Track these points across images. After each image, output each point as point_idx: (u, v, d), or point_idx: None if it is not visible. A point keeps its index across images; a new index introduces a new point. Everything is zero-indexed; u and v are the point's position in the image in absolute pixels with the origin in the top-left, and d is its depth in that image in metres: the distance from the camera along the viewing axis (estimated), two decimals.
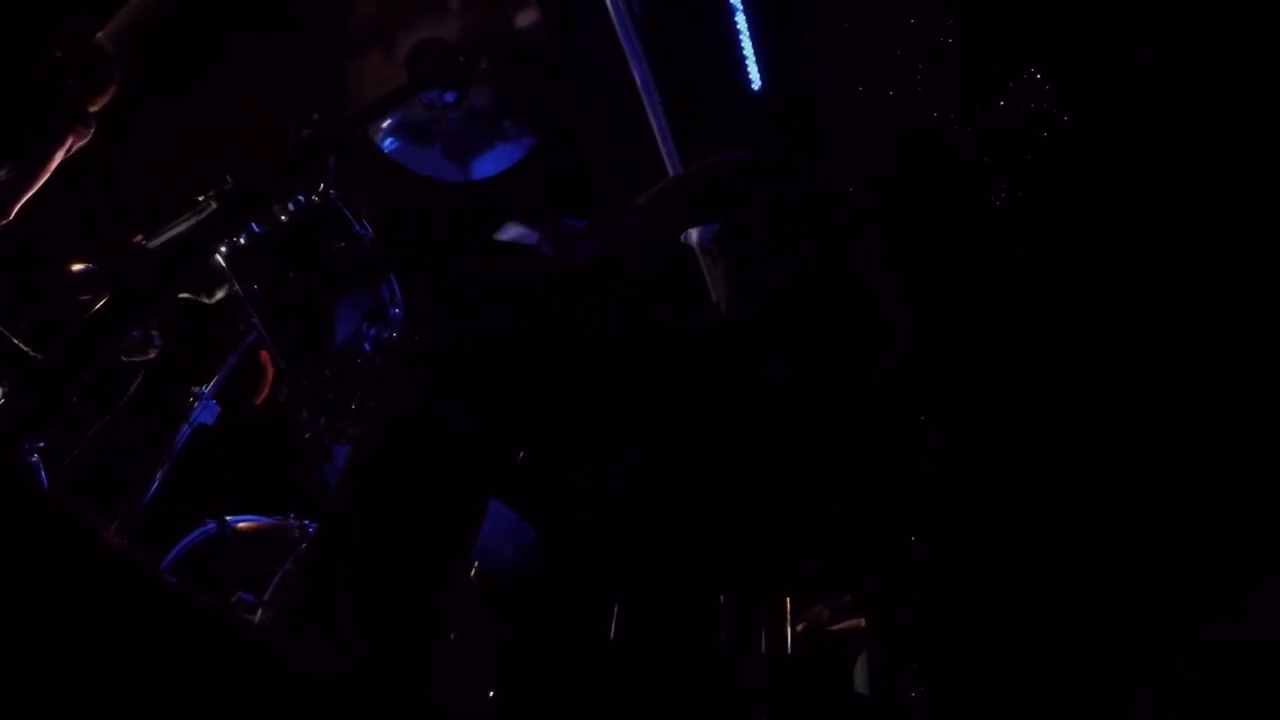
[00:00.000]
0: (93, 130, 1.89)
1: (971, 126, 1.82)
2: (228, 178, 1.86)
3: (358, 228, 2.03)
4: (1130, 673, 1.63)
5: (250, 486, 3.02)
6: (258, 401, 2.37)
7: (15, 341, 1.72)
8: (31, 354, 1.71)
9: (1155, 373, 1.69)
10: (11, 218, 1.84)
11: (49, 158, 1.81)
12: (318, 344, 1.99)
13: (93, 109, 1.89)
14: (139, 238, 1.78)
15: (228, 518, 2.80)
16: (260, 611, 2.49)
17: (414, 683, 1.58)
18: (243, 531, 2.81)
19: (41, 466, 1.84)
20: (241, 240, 1.95)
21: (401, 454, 1.68)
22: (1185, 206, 1.67)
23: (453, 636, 2.58)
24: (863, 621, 2.36)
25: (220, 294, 2.04)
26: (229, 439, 2.73)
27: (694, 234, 2.51)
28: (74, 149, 1.90)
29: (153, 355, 2.05)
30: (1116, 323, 1.72)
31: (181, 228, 1.79)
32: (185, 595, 1.21)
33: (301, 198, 2.01)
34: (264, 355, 2.26)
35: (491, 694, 2.61)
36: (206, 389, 2.60)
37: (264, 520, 2.83)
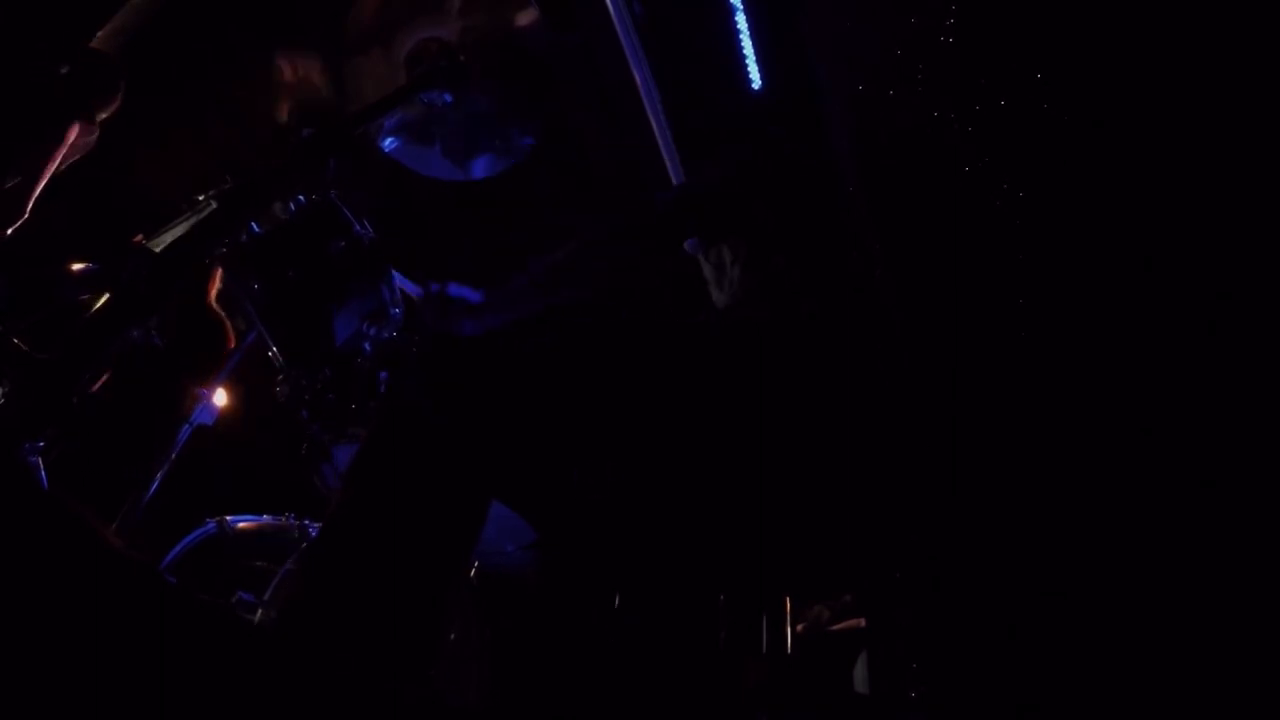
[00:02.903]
0: (96, 132, 1.90)
1: (971, 126, 1.82)
2: (228, 178, 1.86)
3: (358, 228, 2.03)
4: (1130, 673, 1.63)
5: (250, 486, 3.03)
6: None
7: (15, 341, 1.72)
8: (31, 354, 1.71)
9: (1156, 373, 1.69)
10: (27, 215, 1.84)
11: (52, 153, 1.82)
12: (318, 344, 1.99)
13: (100, 116, 1.90)
14: (139, 238, 1.77)
15: (228, 518, 2.80)
16: (260, 611, 2.50)
17: (414, 683, 1.58)
18: (243, 531, 2.81)
19: (41, 466, 1.84)
20: (241, 240, 1.95)
21: (402, 454, 1.68)
22: (1187, 206, 1.67)
23: (453, 636, 2.59)
24: (863, 621, 2.36)
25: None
26: (229, 439, 2.73)
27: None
28: (78, 150, 1.91)
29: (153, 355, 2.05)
30: (1117, 323, 1.72)
31: (181, 228, 1.79)
32: (185, 595, 1.21)
33: (301, 198, 2.01)
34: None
35: (491, 694, 2.61)
36: (206, 389, 2.60)
37: (264, 520, 2.84)
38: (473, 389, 1.75)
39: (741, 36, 2.79)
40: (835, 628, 2.46)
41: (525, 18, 2.43)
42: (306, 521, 2.78)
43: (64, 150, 1.84)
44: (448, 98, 2.37)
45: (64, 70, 1.82)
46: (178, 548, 2.72)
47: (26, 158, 1.79)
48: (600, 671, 2.40)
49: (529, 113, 2.49)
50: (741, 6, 2.75)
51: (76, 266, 1.84)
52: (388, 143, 2.46)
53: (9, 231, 1.83)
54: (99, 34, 2.28)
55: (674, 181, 2.72)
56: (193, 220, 1.79)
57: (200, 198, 1.83)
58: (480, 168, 2.55)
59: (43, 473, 1.84)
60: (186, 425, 2.57)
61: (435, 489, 1.66)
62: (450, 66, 2.33)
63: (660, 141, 2.69)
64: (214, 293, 2.05)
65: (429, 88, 2.32)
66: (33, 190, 1.81)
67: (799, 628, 2.39)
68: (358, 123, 2.16)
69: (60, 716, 1.06)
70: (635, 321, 2.26)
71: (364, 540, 1.61)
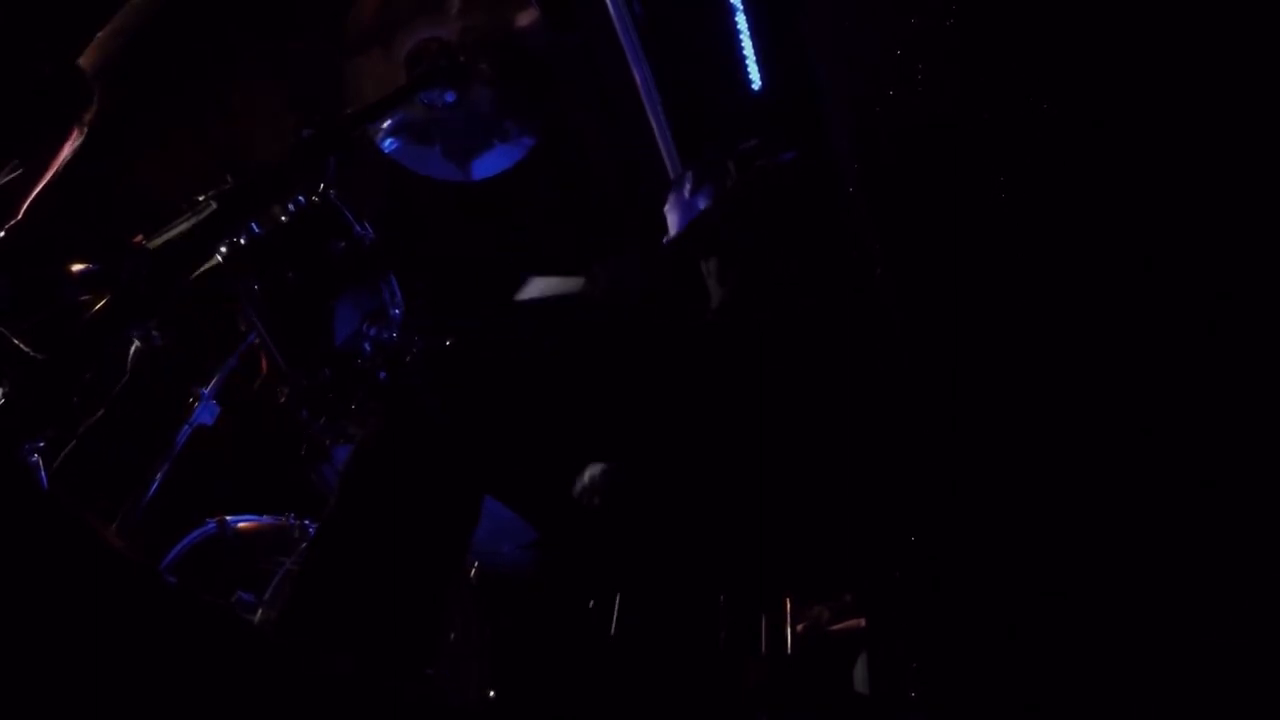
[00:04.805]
0: (83, 137, 1.91)
1: (971, 126, 1.82)
2: (228, 178, 1.86)
3: (358, 228, 2.03)
4: (1130, 673, 1.63)
5: (250, 486, 3.03)
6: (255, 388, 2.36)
7: (15, 341, 1.72)
8: (31, 354, 1.71)
9: (1156, 374, 1.69)
10: (20, 217, 1.85)
11: (55, 157, 1.83)
12: (318, 344, 1.99)
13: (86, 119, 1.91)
14: (139, 238, 1.78)
15: (228, 518, 2.80)
16: (260, 611, 2.49)
17: (414, 682, 1.58)
18: (243, 531, 2.81)
19: (41, 466, 1.84)
20: (241, 240, 1.95)
21: (401, 454, 1.68)
22: (1187, 206, 1.67)
23: (453, 636, 2.59)
24: (863, 621, 2.36)
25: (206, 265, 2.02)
26: (229, 439, 2.73)
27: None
28: (70, 153, 1.92)
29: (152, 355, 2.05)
30: (1117, 323, 1.72)
31: (181, 228, 1.79)
32: (185, 595, 1.21)
33: (301, 198, 2.01)
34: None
35: (491, 693, 2.61)
36: (206, 389, 2.61)
37: (264, 520, 2.84)
38: (476, 388, 1.75)
39: (741, 36, 2.79)
40: (835, 628, 2.46)
41: (525, 18, 2.43)
42: (306, 521, 2.78)
43: (64, 157, 1.85)
44: (448, 98, 2.36)
45: (50, 75, 1.83)
46: (178, 548, 2.72)
47: (26, 158, 1.80)
48: (600, 671, 2.40)
49: (529, 113, 2.49)
50: (741, 6, 2.75)
51: (76, 266, 1.84)
52: (388, 143, 2.46)
53: (1, 231, 1.83)
54: (99, 34, 2.28)
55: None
56: (193, 220, 1.80)
57: (200, 198, 1.83)
58: (480, 168, 2.55)
59: (43, 473, 1.84)
60: (186, 425, 2.58)
61: (436, 487, 1.67)
62: (450, 66, 2.33)
63: (660, 141, 2.69)
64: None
65: (429, 88, 2.32)
66: (29, 192, 1.82)
67: (799, 628, 2.39)
68: (358, 123, 2.16)
69: (60, 716, 1.06)
70: (635, 321, 2.26)
71: (363, 539, 1.62)
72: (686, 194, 2.48)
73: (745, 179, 2.34)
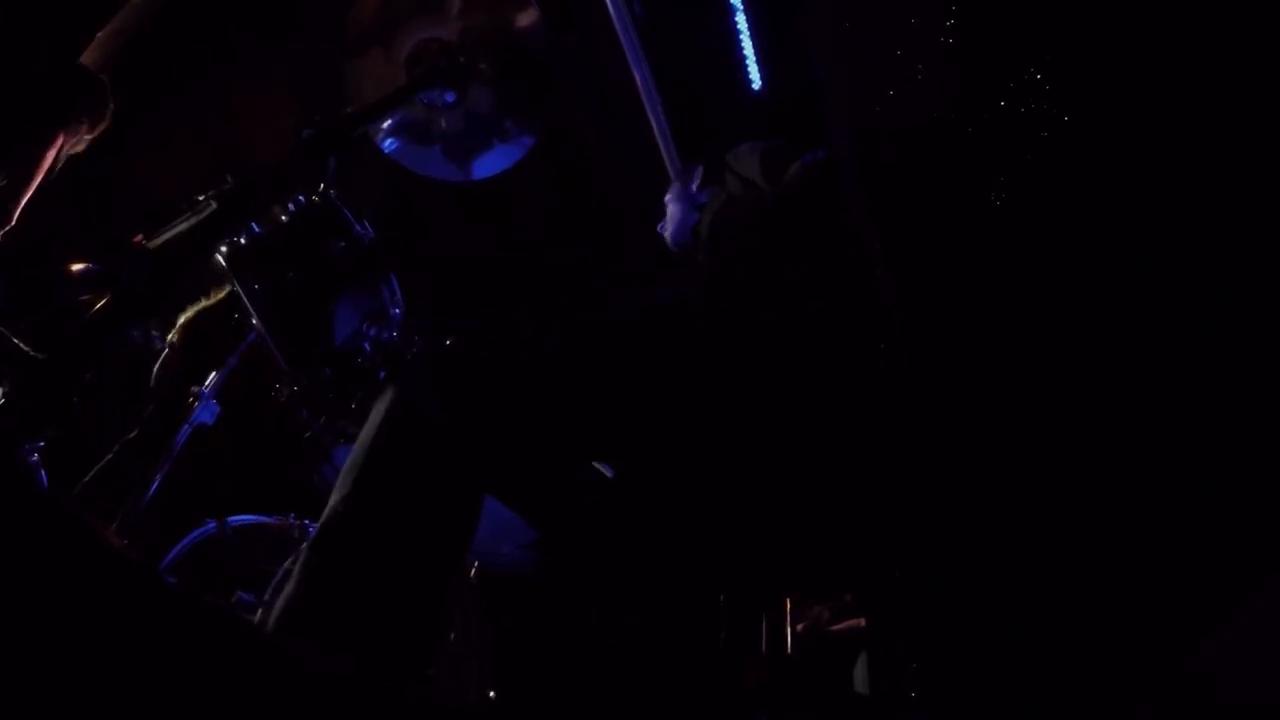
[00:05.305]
0: (85, 134, 1.90)
1: (971, 126, 1.82)
2: (228, 178, 1.86)
3: (358, 228, 2.03)
4: (1131, 674, 1.63)
5: (250, 486, 3.03)
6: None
7: (15, 341, 1.72)
8: (31, 354, 1.71)
9: (1156, 373, 1.69)
10: (14, 222, 1.85)
11: (39, 160, 1.83)
12: (318, 344, 1.99)
13: (91, 131, 1.91)
14: (139, 238, 1.78)
15: (228, 518, 2.80)
16: (260, 611, 2.50)
17: (414, 682, 1.58)
18: (243, 531, 2.81)
19: (41, 466, 1.84)
20: (241, 240, 1.95)
21: (401, 454, 1.68)
22: (1187, 206, 1.67)
23: (453, 636, 2.59)
24: (863, 621, 2.36)
25: (223, 293, 2.05)
26: (229, 439, 2.74)
27: (669, 233, 2.52)
28: (66, 152, 1.91)
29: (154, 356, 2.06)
30: (1117, 323, 1.72)
31: (181, 228, 1.79)
32: (185, 595, 1.21)
33: (301, 198, 2.01)
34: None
35: (491, 693, 2.61)
36: (206, 389, 2.61)
37: (264, 520, 2.84)
38: (476, 388, 1.75)
39: (741, 36, 2.79)
40: (835, 628, 2.46)
41: (525, 18, 2.43)
42: (306, 521, 2.78)
43: (50, 159, 1.85)
44: (448, 98, 2.37)
45: (46, 80, 1.83)
46: (178, 548, 2.73)
47: (12, 166, 1.80)
48: (600, 671, 2.40)
49: (529, 113, 2.49)
50: (741, 6, 2.75)
51: (76, 266, 1.84)
52: (388, 143, 2.46)
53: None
54: (99, 34, 2.28)
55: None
56: (193, 220, 1.80)
57: (200, 198, 1.83)
58: (480, 168, 2.55)
59: (43, 473, 1.84)
60: (186, 425, 2.58)
61: (436, 487, 1.67)
62: (450, 66, 2.33)
63: (660, 141, 2.69)
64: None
65: (429, 88, 2.32)
66: (19, 198, 1.82)
67: (799, 628, 2.39)
68: (358, 123, 2.16)
69: (60, 716, 1.06)
70: (635, 322, 2.26)
71: (363, 539, 1.62)
72: (694, 187, 2.48)
73: (792, 182, 2.32)
